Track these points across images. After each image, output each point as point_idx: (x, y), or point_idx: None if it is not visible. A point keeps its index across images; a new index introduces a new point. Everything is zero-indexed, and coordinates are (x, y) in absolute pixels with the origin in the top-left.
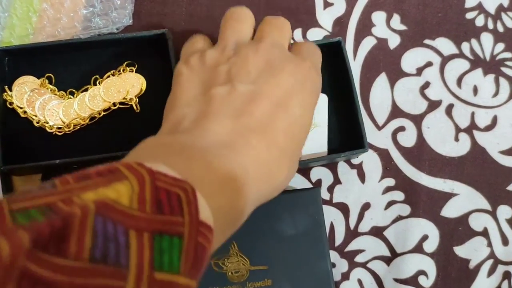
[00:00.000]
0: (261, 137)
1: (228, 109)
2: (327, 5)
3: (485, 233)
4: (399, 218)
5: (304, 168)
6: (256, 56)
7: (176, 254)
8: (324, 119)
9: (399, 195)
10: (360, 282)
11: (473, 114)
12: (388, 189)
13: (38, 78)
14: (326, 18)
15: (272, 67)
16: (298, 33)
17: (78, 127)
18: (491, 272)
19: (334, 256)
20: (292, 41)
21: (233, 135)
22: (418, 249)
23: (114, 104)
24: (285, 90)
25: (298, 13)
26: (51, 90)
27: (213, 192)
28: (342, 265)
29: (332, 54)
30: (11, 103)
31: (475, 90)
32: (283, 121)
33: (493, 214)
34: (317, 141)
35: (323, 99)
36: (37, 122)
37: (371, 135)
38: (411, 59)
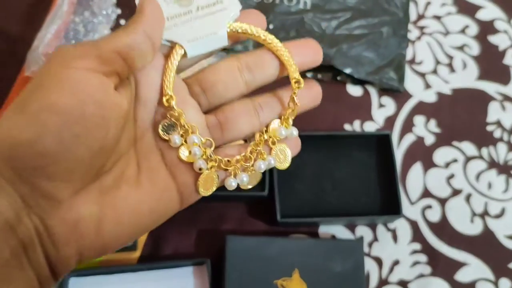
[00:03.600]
0: None
1: None
2: (381, 106)
3: None
4: (421, 275)
5: (351, 225)
6: None
7: None
8: None
9: (422, 258)
10: None
11: (486, 203)
12: (414, 252)
13: None
14: (379, 115)
15: None
16: (357, 123)
17: None
18: None
19: None
20: None
21: None
22: None
23: None
24: None
25: (359, 109)
26: None
27: None
28: None
29: (382, 143)
30: None
31: (489, 185)
32: None
33: (495, 284)
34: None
35: None
36: None
37: (405, 208)
38: (441, 155)
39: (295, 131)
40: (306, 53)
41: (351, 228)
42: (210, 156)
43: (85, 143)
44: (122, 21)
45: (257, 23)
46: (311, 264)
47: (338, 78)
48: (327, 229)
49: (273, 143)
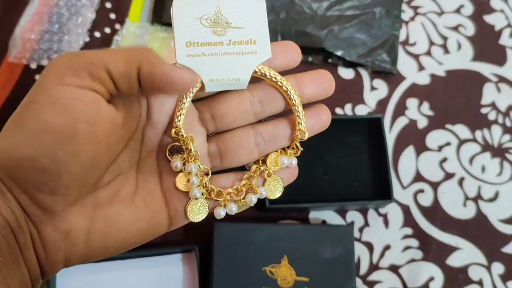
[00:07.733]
0: None
1: None
2: (373, 89)
3: (480, 283)
4: (412, 260)
5: (342, 210)
6: None
7: None
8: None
9: (414, 242)
10: None
11: (479, 187)
12: (406, 236)
13: None
14: (371, 98)
15: None
16: (348, 106)
17: None
18: None
19: (358, 282)
20: None
21: None
22: (425, 287)
23: None
24: None
25: (350, 92)
26: None
27: None
28: None
29: (374, 126)
30: None
31: (483, 169)
32: None
33: (488, 268)
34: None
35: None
36: None
37: (397, 192)
38: (434, 138)
39: (294, 161)
40: (319, 86)
41: (342, 213)
42: (205, 185)
43: (78, 159)
44: (108, 4)
45: (292, 57)
46: (300, 250)
47: (329, 60)
48: (317, 215)
49: (269, 175)
